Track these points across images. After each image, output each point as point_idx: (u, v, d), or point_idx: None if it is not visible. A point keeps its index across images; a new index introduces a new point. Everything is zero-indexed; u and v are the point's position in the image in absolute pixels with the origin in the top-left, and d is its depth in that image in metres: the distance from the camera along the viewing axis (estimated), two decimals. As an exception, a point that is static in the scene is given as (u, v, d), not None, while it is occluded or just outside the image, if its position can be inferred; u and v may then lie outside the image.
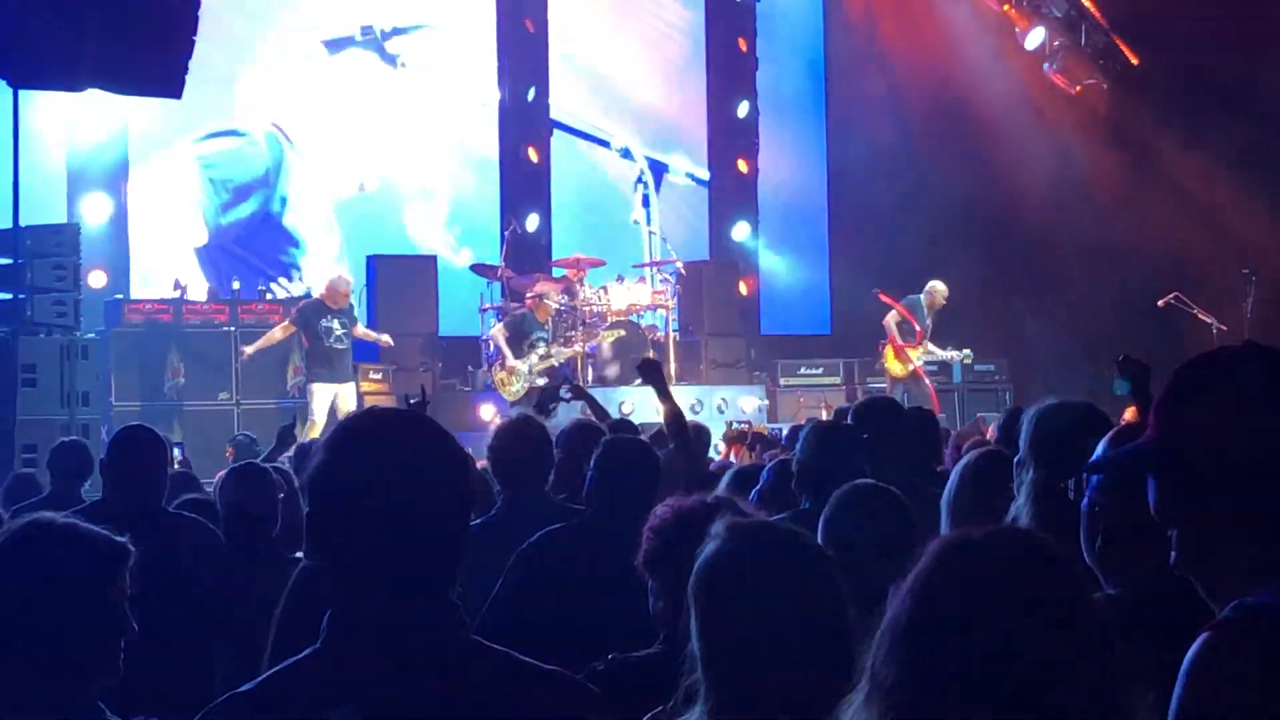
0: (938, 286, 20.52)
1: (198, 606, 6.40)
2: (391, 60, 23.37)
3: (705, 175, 25.96)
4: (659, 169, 24.79)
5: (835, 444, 6.47)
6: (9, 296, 15.86)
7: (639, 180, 23.00)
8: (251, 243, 22.13)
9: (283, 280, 21.80)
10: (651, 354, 19.68)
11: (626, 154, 24.41)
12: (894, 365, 20.11)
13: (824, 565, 3.16)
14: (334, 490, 2.80)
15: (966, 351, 20.55)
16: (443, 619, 2.81)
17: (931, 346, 20.31)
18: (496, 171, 24.13)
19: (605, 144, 24.83)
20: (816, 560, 3.15)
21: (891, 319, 20.11)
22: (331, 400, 17.70)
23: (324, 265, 21.59)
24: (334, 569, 2.80)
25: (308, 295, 19.12)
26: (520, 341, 18.94)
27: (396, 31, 23.38)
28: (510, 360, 18.81)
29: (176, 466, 10.64)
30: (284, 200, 22.59)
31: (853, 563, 4.47)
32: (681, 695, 3.14)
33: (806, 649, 3.00)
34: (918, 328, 20.53)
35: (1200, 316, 19.23)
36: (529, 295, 19.55)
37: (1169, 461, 2.51)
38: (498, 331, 19.27)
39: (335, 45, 23.12)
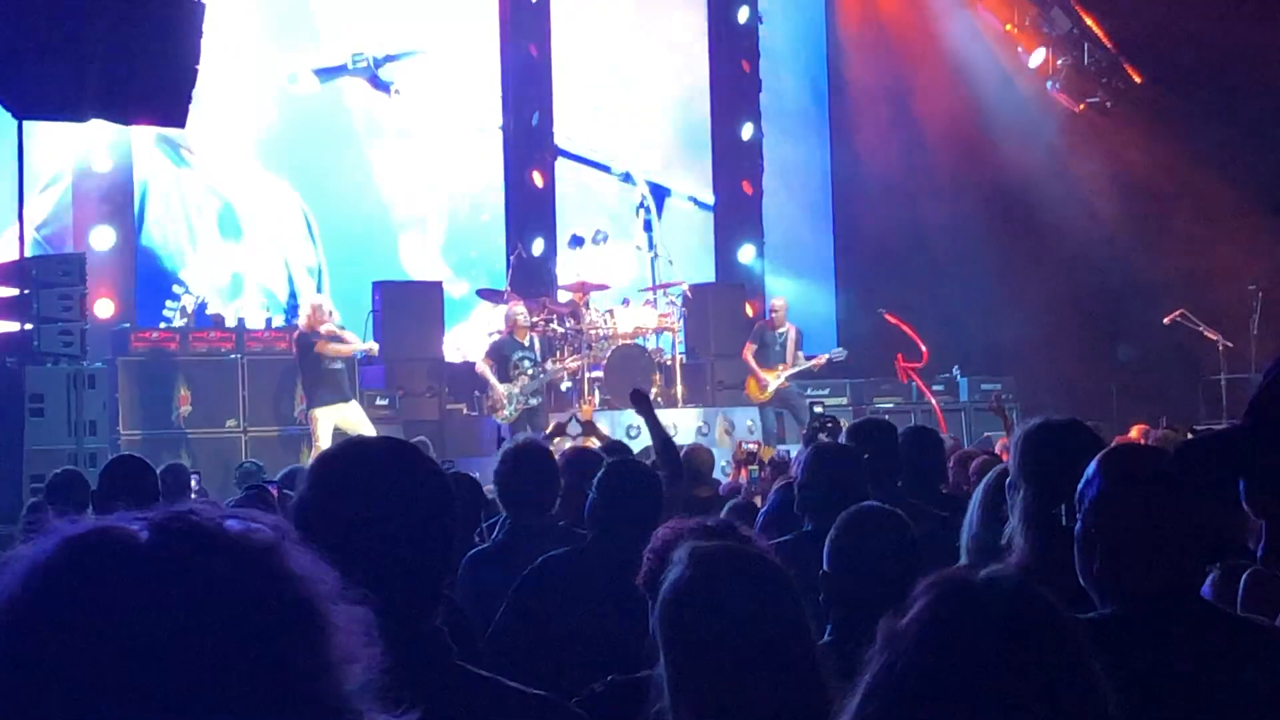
0: (774, 303, 21.24)
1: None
2: (385, 87, 23.36)
3: (708, 199, 25.95)
4: (660, 193, 24.81)
5: (836, 466, 6.46)
6: (16, 327, 15.89)
7: (640, 205, 23.00)
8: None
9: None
10: (658, 378, 19.72)
11: (627, 179, 24.48)
12: (753, 391, 20.44)
13: (787, 589, 3.16)
14: (315, 519, 2.80)
15: (839, 350, 20.73)
16: (426, 645, 2.81)
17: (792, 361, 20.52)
18: (486, 199, 24.18)
19: (606, 169, 24.88)
20: (779, 584, 3.15)
21: (748, 350, 20.59)
22: (335, 422, 17.71)
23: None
24: None
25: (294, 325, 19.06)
26: (505, 365, 18.90)
27: (389, 58, 23.36)
28: (499, 387, 18.78)
29: (194, 495, 10.62)
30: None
31: (857, 585, 4.49)
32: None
33: (770, 673, 3.01)
34: (923, 347, 20.58)
35: (1206, 334, 19.23)
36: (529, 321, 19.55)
37: (1272, 447, 2.41)
38: (481, 363, 19.24)
39: (327, 74, 23.11)
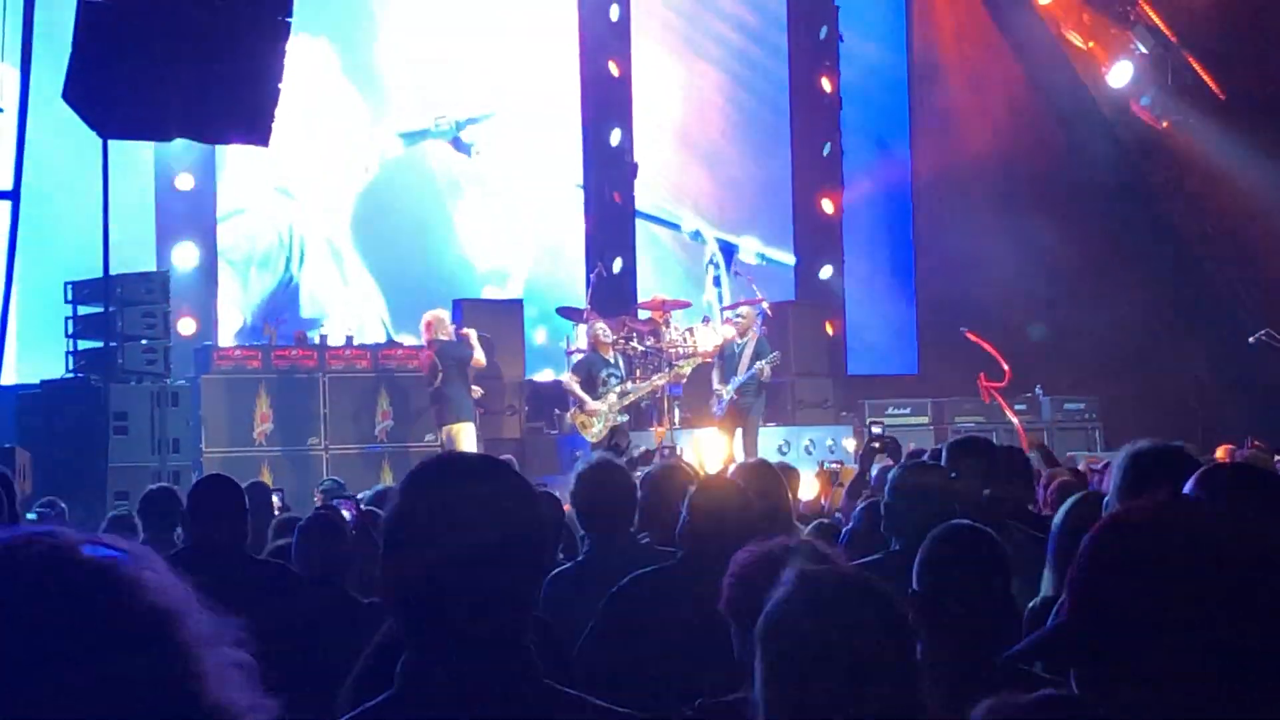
0: (741, 310, 19.95)
1: (278, 653, 6.35)
2: (466, 149, 23.65)
3: (777, 255, 25.85)
4: (729, 250, 24.86)
5: (923, 484, 6.40)
6: (100, 344, 16.03)
7: (710, 262, 23.01)
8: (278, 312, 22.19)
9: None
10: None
11: (697, 236, 24.62)
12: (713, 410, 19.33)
13: (895, 615, 3.11)
14: (406, 536, 2.79)
15: (774, 355, 19.57)
16: (515, 665, 2.79)
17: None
18: (565, 251, 24.35)
19: (675, 227, 25.00)
20: (887, 610, 3.10)
21: (683, 368, 19.32)
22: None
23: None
24: (406, 614, 2.79)
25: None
26: (593, 383, 18.88)
27: (470, 121, 23.61)
28: (590, 403, 18.76)
29: (277, 513, 10.63)
30: (301, 263, 22.81)
31: (948, 605, 4.44)
32: None
33: (873, 701, 2.96)
34: (1005, 366, 20.42)
35: (1292, 353, 19.03)
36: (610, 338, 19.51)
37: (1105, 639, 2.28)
38: (568, 379, 19.18)
39: (411, 137, 23.47)
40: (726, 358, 19.34)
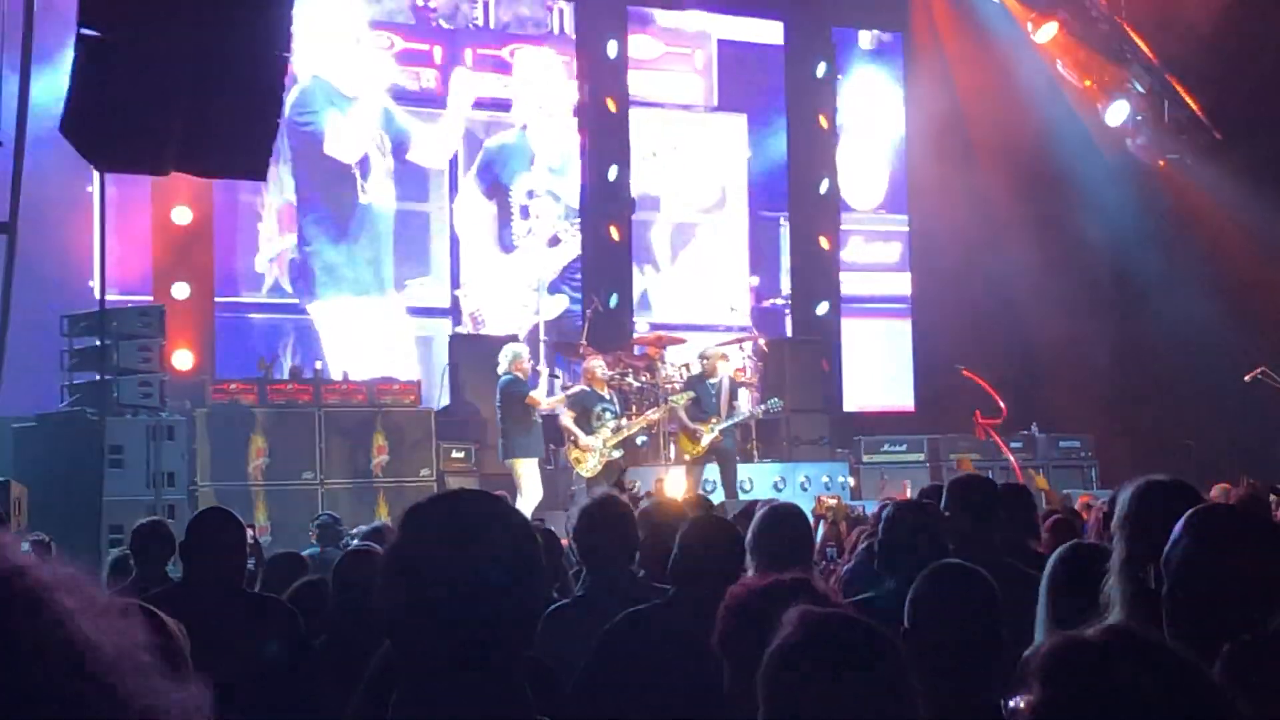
0: (706, 351, 19.80)
1: (272, 686, 6.35)
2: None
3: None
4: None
5: (916, 523, 6.40)
6: (95, 378, 16.00)
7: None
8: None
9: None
10: (736, 434, 19.62)
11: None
12: (686, 446, 19.17)
13: (896, 660, 3.13)
14: (401, 571, 2.80)
15: (774, 400, 19.88)
16: (507, 699, 2.80)
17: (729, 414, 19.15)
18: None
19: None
20: (889, 655, 3.12)
21: (678, 401, 19.10)
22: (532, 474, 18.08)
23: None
24: (402, 648, 2.81)
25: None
26: (587, 418, 18.84)
27: None
28: (583, 439, 18.72)
29: (249, 547, 10.58)
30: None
31: (937, 643, 4.44)
32: None
33: None
34: (1001, 404, 20.41)
35: (1287, 391, 19.05)
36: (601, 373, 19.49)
37: None
38: (564, 416, 19.16)
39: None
40: (700, 397, 19.17)
